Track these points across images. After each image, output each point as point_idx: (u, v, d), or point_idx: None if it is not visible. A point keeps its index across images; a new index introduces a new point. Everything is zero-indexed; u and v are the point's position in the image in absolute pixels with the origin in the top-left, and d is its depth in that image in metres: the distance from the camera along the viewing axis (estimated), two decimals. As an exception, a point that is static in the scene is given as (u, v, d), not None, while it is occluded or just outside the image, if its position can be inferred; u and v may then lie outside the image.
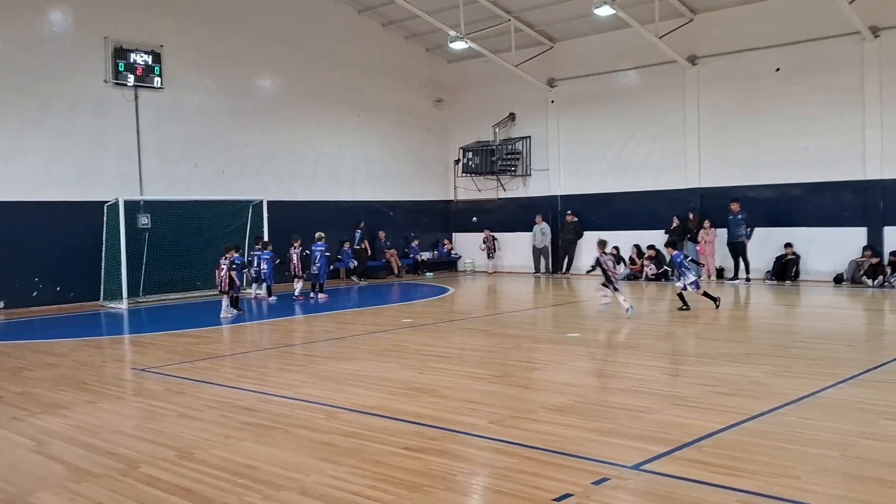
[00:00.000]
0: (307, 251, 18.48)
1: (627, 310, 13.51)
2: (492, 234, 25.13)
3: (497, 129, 24.82)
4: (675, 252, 14.86)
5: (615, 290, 14.08)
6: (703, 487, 5.06)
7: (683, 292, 14.28)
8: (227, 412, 7.54)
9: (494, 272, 24.79)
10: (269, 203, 19.99)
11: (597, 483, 5.20)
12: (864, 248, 18.09)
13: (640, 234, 21.68)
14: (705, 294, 14.24)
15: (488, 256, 25.13)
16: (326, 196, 22.88)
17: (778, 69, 19.49)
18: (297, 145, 22.26)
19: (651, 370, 8.97)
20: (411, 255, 24.94)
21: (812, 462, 5.55)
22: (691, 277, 14.36)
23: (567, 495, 4.98)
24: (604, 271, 14.06)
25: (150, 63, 18.88)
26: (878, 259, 17.80)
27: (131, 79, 18.59)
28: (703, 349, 10.37)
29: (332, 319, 14.83)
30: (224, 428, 6.95)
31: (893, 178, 18.04)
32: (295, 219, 21.01)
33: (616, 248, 21.65)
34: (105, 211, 17.90)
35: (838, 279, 18.39)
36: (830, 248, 18.75)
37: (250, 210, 20.04)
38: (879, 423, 6.55)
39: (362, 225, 23.27)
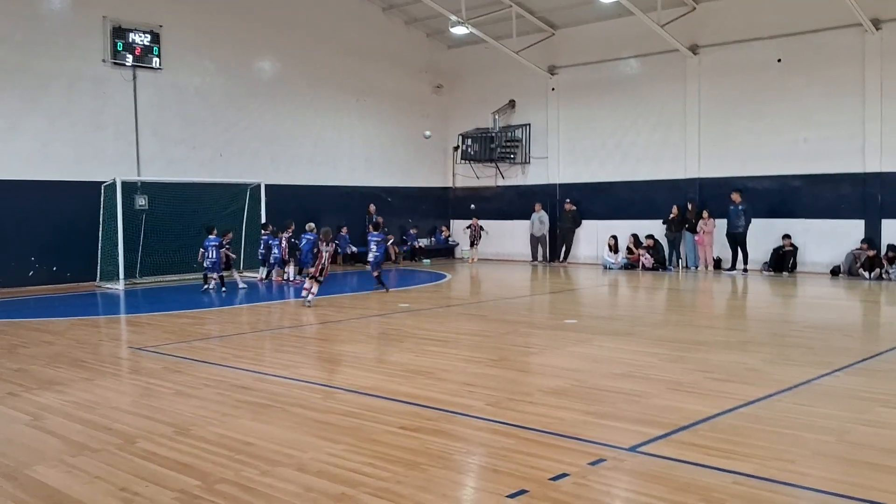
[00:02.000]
0: (295, 239, 18.48)
1: (307, 300, 13.91)
2: (479, 222, 25.25)
3: (497, 117, 24.77)
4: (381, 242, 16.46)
5: (313, 278, 14.07)
6: (699, 469, 5.08)
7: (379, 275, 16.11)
8: (223, 390, 7.54)
9: (474, 260, 24.86)
10: (267, 187, 19.95)
11: (593, 464, 5.22)
12: (862, 241, 18.10)
13: (639, 223, 21.69)
14: (377, 277, 16.12)
15: (471, 244, 25.22)
16: (324, 181, 22.82)
17: (780, 60, 19.46)
18: (295, 129, 22.19)
19: (648, 356, 8.98)
20: (409, 242, 24.91)
21: (808, 447, 5.57)
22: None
23: (563, 475, 4.99)
24: (315, 259, 14.20)
25: (148, 43, 18.79)
26: (875, 251, 17.82)
27: (130, 59, 18.50)
28: (700, 337, 10.38)
29: (328, 303, 14.80)
30: (221, 405, 6.95)
31: (892, 171, 18.04)
32: (293, 203, 20.99)
33: (614, 237, 21.78)
34: (102, 191, 17.86)
35: (835, 271, 18.42)
36: (828, 240, 18.77)
37: (248, 193, 20.00)
38: (875, 410, 6.58)
39: (372, 208, 23.27)
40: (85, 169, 17.97)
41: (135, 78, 18.79)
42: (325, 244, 14.15)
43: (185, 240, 18.68)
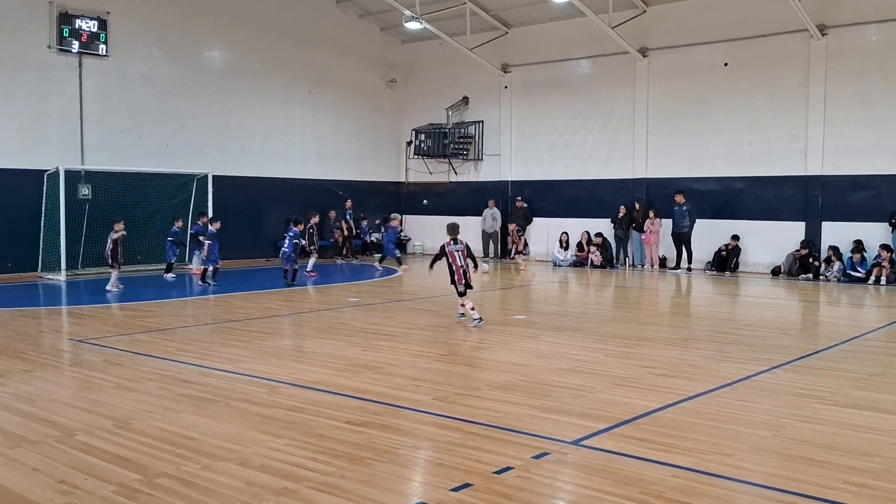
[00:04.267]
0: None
1: (476, 320, 10.88)
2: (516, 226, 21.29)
3: (450, 113, 24.80)
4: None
5: (461, 293, 11.16)
6: (640, 462, 5.17)
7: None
8: (165, 384, 7.43)
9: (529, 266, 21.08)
10: (215, 178, 19.66)
11: (537, 457, 5.28)
12: (802, 242, 18.56)
13: (588, 221, 21.93)
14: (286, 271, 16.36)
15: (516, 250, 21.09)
16: (274, 173, 22.56)
17: (726, 64, 19.83)
18: (245, 120, 21.89)
19: (593, 352, 9.10)
20: (362, 237, 24.78)
21: (745, 441, 5.71)
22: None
23: (508, 468, 5.04)
24: (449, 265, 11.26)
25: (95, 30, 18.37)
26: (816, 254, 18.28)
27: (76, 45, 18.06)
28: (644, 333, 10.55)
29: (277, 297, 14.69)
30: (162, 399, 6.85)
31: (833, 174, 18.52)
32: (241, 195, 20.76)
33: (565, 233, 21.98)
34: (45, 180, 17.42)
35: (776, 271, 18.86)
36: (769, 240, 19.20)
37: (195, 184, 19.68)
38: (811, 406, 6.76)
39: (348, 203, 23.15)
40: (28, 157, 17.50)
41: (80, 65, 18.35)
42: (452, 244, 11.34)
43: (129, 230, 18.25)
